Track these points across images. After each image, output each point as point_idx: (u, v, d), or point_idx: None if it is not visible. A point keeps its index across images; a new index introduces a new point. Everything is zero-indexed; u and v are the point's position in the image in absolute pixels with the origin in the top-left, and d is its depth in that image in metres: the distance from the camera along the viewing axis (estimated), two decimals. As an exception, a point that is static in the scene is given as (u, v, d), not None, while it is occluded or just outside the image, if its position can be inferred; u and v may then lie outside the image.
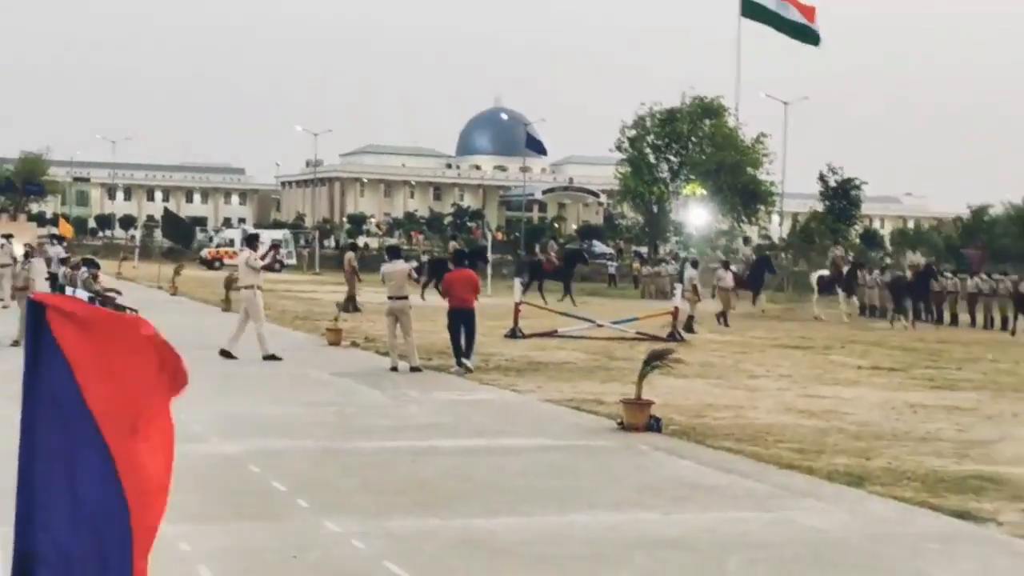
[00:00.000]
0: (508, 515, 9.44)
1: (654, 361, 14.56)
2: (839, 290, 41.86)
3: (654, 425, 14.00)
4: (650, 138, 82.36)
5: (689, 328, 30.55)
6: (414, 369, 19.84)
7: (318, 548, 8.20)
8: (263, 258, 22.61)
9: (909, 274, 40.82)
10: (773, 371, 21.92)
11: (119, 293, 23.82)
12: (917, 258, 42.95)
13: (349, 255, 40.19)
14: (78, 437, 3.81)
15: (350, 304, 34.07)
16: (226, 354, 20.67)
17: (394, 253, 22.96)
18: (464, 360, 19.80)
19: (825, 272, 44.11)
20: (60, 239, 47.12)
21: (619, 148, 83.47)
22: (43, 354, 3.82)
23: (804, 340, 29.91)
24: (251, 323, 21.16)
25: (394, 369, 19.91)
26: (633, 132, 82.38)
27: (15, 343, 19.55)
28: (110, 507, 3.81)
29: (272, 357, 20.70)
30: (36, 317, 3.84)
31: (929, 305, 40.09)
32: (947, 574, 8.24)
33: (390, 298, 20.65)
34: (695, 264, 37.93)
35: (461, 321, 20.04)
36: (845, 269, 42.85)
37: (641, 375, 14.46)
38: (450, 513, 9.40)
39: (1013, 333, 35.90)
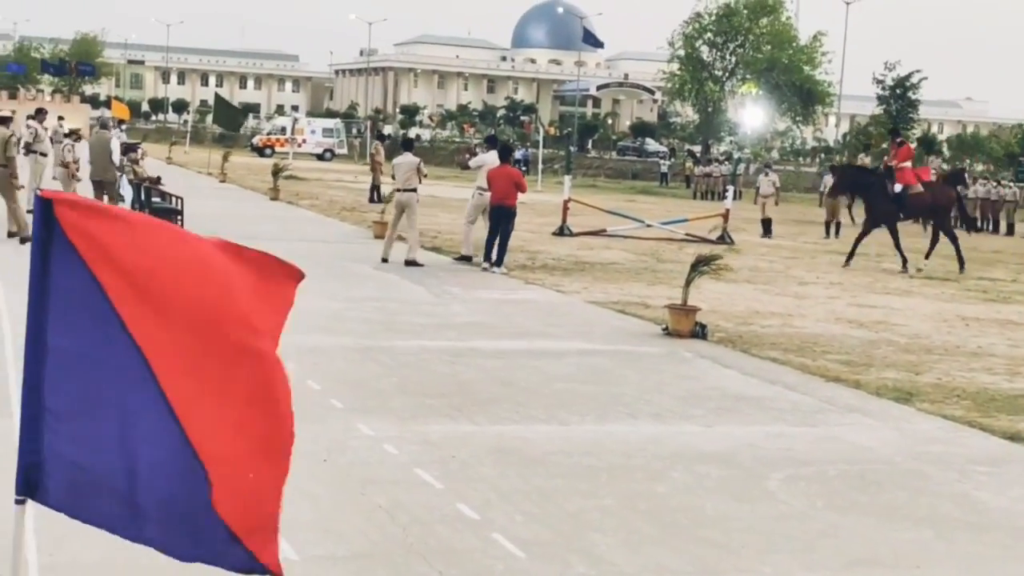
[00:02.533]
0: (545, 423, 9.23)
1: (701, 265, 14.25)
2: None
3: (699, 332, 13.74)
4: (708, 35, 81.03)
5: (768, 232, 31.07)
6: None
7: (349, 451, 8.01)
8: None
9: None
10: (823, 278, 21.56)
11: (159, 181, 23.63)
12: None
13: (375, 144, 41.30)
14: (101, 337, 3.54)
15: (374, 193, 34.46)
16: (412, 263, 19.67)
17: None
18: (495, 268, 19.43)
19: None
20: (121, 123, 43.18)
21: (672, 44, 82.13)
22: (54, 251, 3.56)
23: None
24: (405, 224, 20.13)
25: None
26: (689, 28, 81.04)
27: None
28: (150, 414, 3.50)
29: (414, 263, 19.61)
30: (45, 214, 3.56)
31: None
32: (996, 499, 7.97)
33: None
34: (769, 167, 39.12)
35: (500, 219, 19.76)
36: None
37: (688, 280, 14.18)
38: (486, 419, 9.19)
39: None
